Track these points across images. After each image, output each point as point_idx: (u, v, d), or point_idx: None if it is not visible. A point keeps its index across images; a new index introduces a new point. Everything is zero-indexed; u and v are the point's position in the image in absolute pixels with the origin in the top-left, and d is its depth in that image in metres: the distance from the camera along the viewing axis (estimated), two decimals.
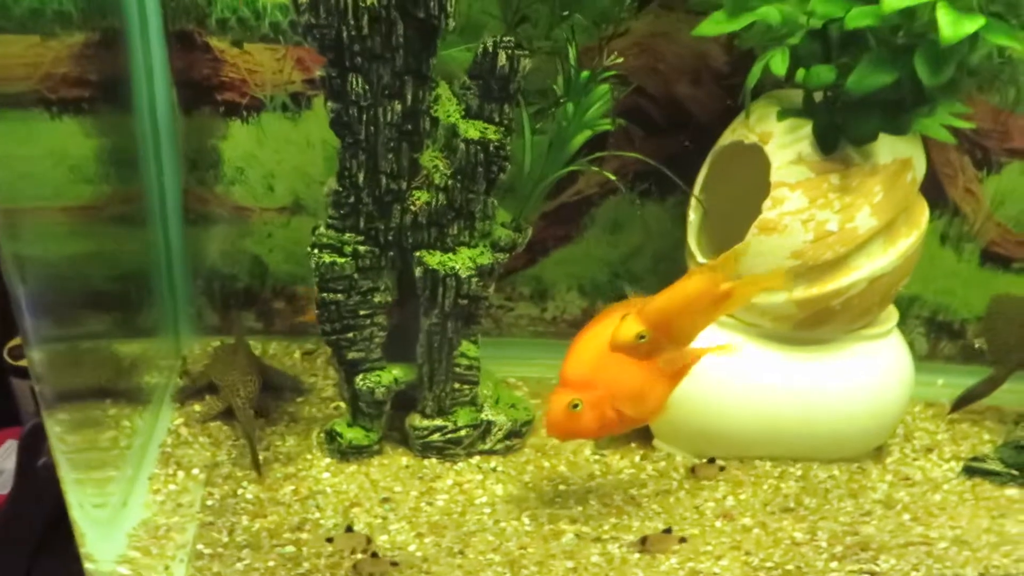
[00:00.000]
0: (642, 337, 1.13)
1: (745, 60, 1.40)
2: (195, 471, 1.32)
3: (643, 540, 1.22)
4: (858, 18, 1.09)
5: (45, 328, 0.98)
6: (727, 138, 1.33)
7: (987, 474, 1.42)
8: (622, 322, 1.14)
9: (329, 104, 1.18)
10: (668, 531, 1.24)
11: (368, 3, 1.12)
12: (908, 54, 1.08)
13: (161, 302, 1.57)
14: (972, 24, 1.02)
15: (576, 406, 1.16)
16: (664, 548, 1.21)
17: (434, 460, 1.38)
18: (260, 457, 1.31)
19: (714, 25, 1.20)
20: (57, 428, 1.04)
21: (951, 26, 1.02)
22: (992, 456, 1.43)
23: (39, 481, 1.27)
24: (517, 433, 1.42)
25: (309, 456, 1.37)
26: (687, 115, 1.49)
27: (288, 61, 1.45)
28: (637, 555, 1.22)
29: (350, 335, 1.30)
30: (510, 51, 1.20)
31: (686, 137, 1.47)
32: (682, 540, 1.23)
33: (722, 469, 1.39)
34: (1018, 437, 1.42)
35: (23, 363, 1.68)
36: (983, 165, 1.47)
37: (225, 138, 1.49)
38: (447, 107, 1.26)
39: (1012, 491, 1.40)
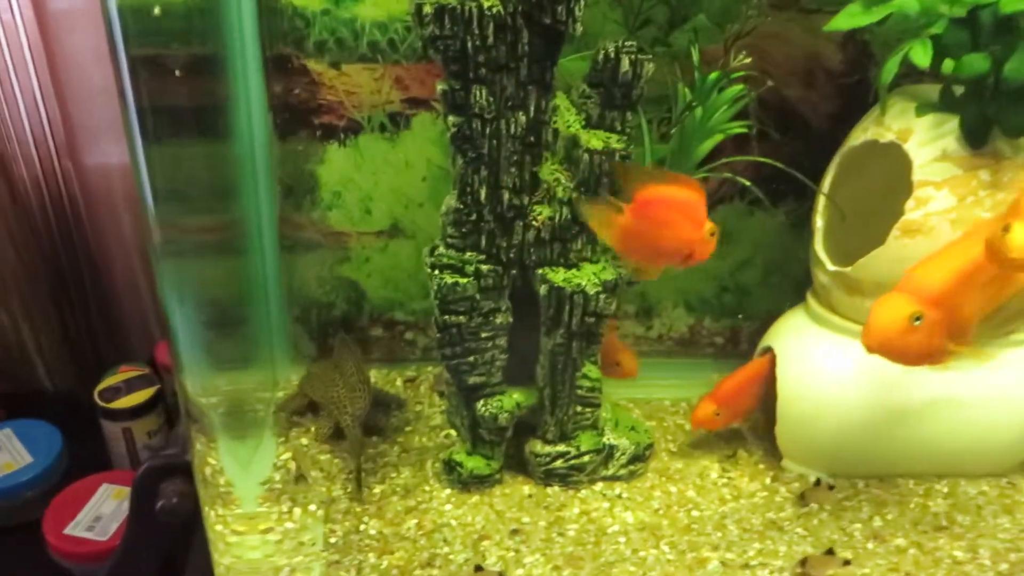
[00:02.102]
0: (917, 319, 0.97)
1: (862, 58, 1.35)
2: (312, 507, 1.26)
3: (803, 562, 1.15)
4: (1015, 1, 1.03)
5: (195, 355, 0.94)
6: (858, 137, 1.27)
7: None
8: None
9: (450, 118, 1.14)
10: (830, 552, 1.16)
11: (494, 11, 1.07)
12: None
13: (258, 332, 1.52)
14: None
15: (918, 319, 0.98)
16: (825, 570, 1.14)
17: (557, 488, 1.32)
18: (365, 478, 1.27)
19: (849, 18, 1.15)
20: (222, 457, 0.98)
21: None
22: None
23: (155, 525, 1.22)
24: (640, 457, 1.35)
25: (427, 487, 1.31)
26: (800, 118, 1.44)
27: (387, 80, 1.41)
28: None
29: (471, 359, 1.24)
30: (633, 56, 1.15)
31: (801, 142, 1.42)
32: (846, 563, 1.15)
33: (832, 488, 1.31)
34: None
35: (115, 405, 1.64)
36: None
37: (322, 162, 1.46)
38: (567, 117, 1.21)
39: None
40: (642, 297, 1.57)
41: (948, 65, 1.10)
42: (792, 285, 1.51)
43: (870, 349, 1.04)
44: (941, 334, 0.99)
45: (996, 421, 1.27)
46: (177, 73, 1.10)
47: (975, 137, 1.14)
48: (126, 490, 1.35)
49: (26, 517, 1.57)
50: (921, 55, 1.12)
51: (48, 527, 1.47)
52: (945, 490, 1.32)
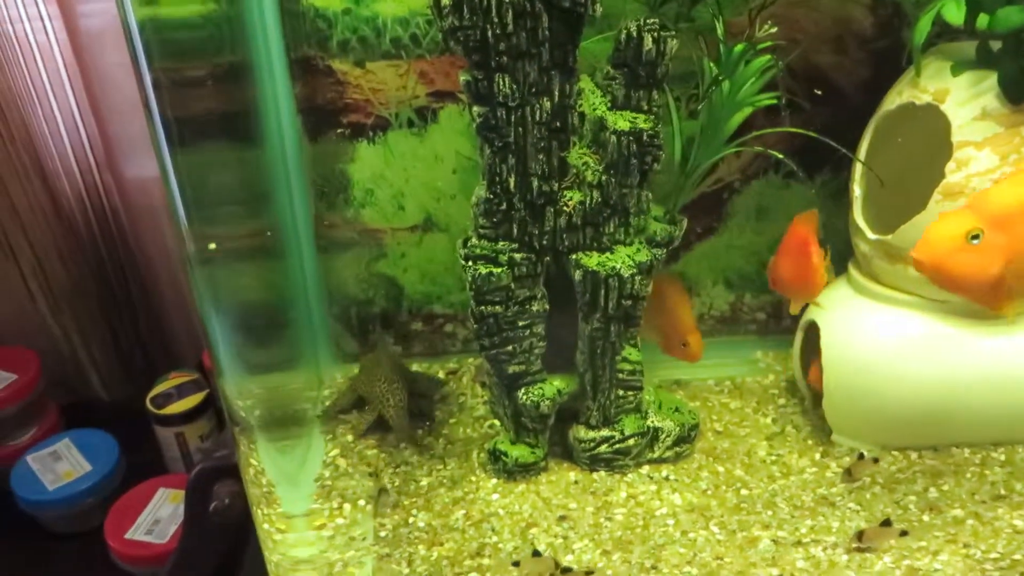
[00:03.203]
0: (975, 237, 0.90)
1: (893, 21, 1.32)
2: (361, 502, 1.28)
3: (859, 535, 1.13)
4: None
5: (235, 362, 0.95)
6: (893, 101, 1.24)
7: None
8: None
9: (475, 109, 1.14)
10: (887, 523, 1.14)
11: None
12: None
13: (300, 333, 1.55)
14: None
15: (976, 237, 0.91)
16: (883, 542, 1.12)
17: (603, 473, 1.31)
18: (412, 471, 1.29)
19: None
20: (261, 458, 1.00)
21: None
22: None
23: (210, 527, 1.25)
24: (686, 438, 1.34)
25: (473, 478, 1.31)
26: (832, 85, 1.41)
27: (411, 75, 1.41)
28: (846, 556, 1.13)
29: (509, 348, 1.24)
30: (656, 34, 1.14)
31: (834, 110, 1.38)
32: (903, 533, 1.13)
33: (876, 461, 1.28)
34: None
35: (167, 411, 1.68)
36: None
37: (352, 161, 1.47)
38: (592, 100, 1.20)
39: None
40: (681, 276, 1.56)
41: (983, 20, 1.07)
42: (833, 257, 1.48)
43: (919, 266, 0.95)
44: (1002, 262, 0.89)
45: None
46: (203, 83, 1.12)
47: (1015, 92, 1.10)
48: (182, 493, 1.39)
49: (88, 524, 1.62)
50: (954, 12, 1.08)
51: (110, 532, 1.52)
52: (1002, 458, 1.28)
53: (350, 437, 1.42)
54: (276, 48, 1.39)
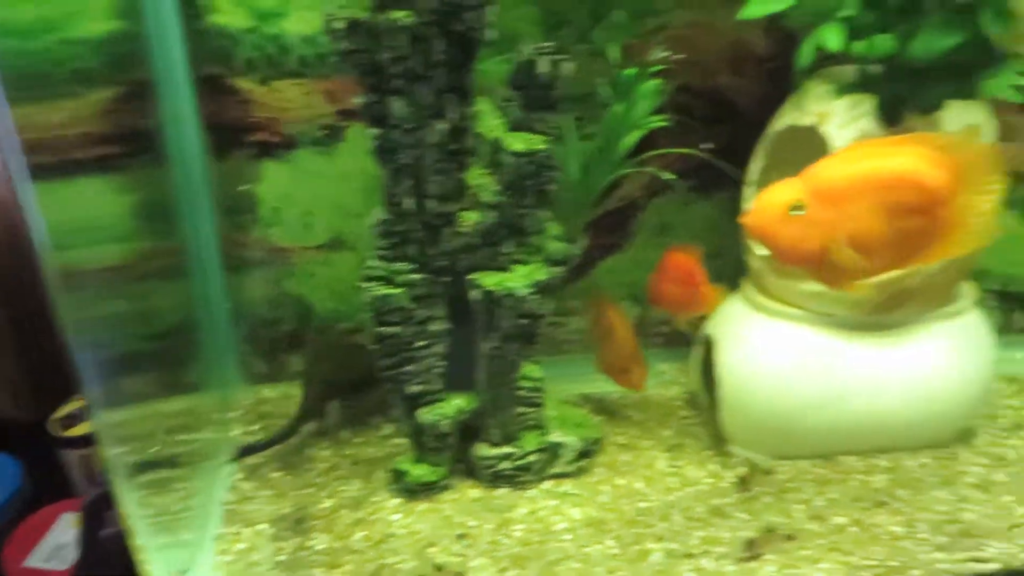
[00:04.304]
0: (796, 209, 0.90)
1: (787, 43, 1.37)
2: (261, 526, 1.27)
3: (750, 544, 1.16)
4: None
5: (108, 393, 0.94)
6: (780, 122, 1.28)
7: None
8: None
9: (371, 130, 1.15)
10: (771, 531, 1.18)
11: (406, 22, 1.08)
12: (972, 13, 1.03)
13: (207, 354, 1.53)
14: None
15: (798, 209, 0.91)
16: (771, 549, 1.16)
17: (505, 489, 1.33)
18: (316, 493, 1.30)
19: (761, 5, 1.16)
20: (134, 495, 0.99)
21: None
22: None
23: (104, 552, 1.23)
24: (587, 453, 1.36)
25: (376, 498, 1.32)
26: (730, 105, 1.45)
27: (318, 94, 1.42)
28: (733, 567, 1.16)
29: (409, 368, 1.25)
30: (551, 57, 1.16)
31: (733, 128, 1.43)
32: (790, 538, 1.17)
33: (769, 473, 1.32)
34: None
35: (72, 433, 1.64)
36: None
37: (260, 179, 1.46)
38: (489, 122, 1.22)
39: None
40: (587, 293, 1.58)
41: (859, 46, 1.12)
42: (732, 272, 1.52)
43: (747, 230, 0.97)
44: (823, 237, 0.91)
45: (932, 394, 1.29)
46: (100, 101, 1.10)
47: (890, 115, 1.15)
48: None
49: None
50: (833, 38, 1.13)
51: (8, 559, 1.48)
52: (887, 465, 1.33)
53: (255, 460, 1.40)
54: (180, 66, 1.38)
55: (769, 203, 0.93)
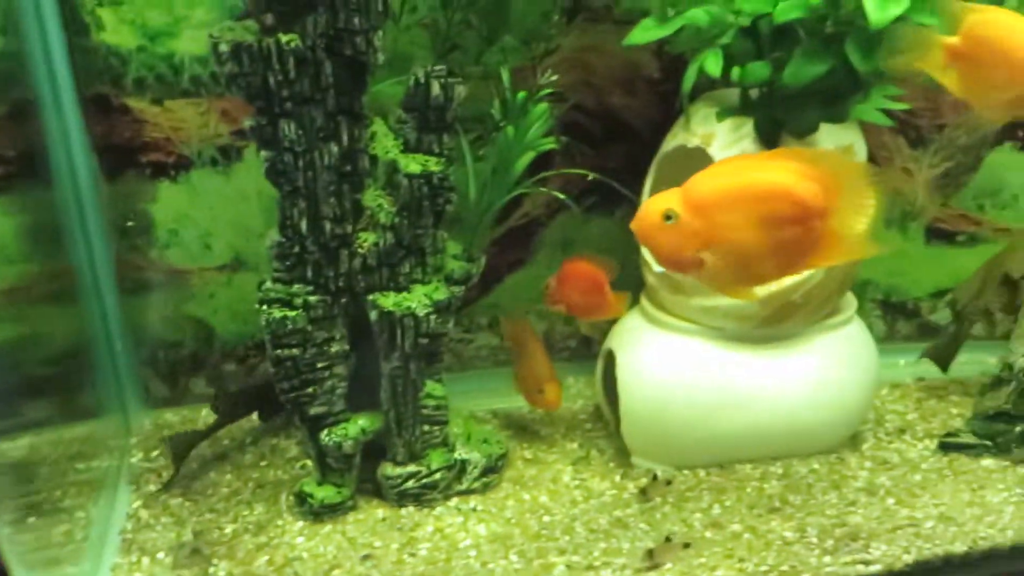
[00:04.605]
0: (669, 218, 0.93)
1: (677, 65, 1.41)
2: (160, 555, 1.24)
3: (649, 553, 1.19)
4: (786, 11, 1.09)
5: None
6: (669, 143, 1.32)
7: (962, 448, 1.43)
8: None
9: (262, 153, 1.14)
10: (668, 540, 1.21)
11: (293, 46, 1.08)
12: (839, 42, 1.09)
13: (104, 379, 1.49)
14: (897, 6, 1.03)
15: (670, 218, 0.94)
16: (669, 558, 1.19)
17: (411, 508, 1.33)
18: (217, 518, 1.29)
19: (644, 32, 1.20)
20: (7, 529, 0.96)
21: (878, 10, 1.03)
22: (964, 429, 1.45)
23: None
24: (493, 468, 1.38)
25: (280, 522, 1.30)
26: (624, 126, 1.49)
27: (213, 114, 1.40)
28: None
29: (310, 390, 1.25)
30: (443, 80, 1.17)
31: (628, 149, 1.47)
32: (686, 545, 1.20)
33: (669, 483, 1.36)
34: (986, 407, 1.44)
35: None
36: (917, 144, 1.50)
37: (155, 200, 1.43)
38: (385, 143, 1.22)
39: (988, 462, 1.41)
40: (494, 309, 1.60)
41: (736, 73, 1.16)
42: (634, 287, 1.56)
43: (635, 235, 1.01)
44: (696, 246, 0.95)
45: (820, 401, 1.35)
46: None
47: (767, 138, 1.20)
48: None
49: None
50: (713, 64, 1.17)
51: None
52: (780, 471, 1.39)
53: (153, 487, 1.38)
54: (65, 85, 1.35)
55: (647, 211, 0.97)
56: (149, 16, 1.32)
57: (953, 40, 1.02)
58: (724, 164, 1.02)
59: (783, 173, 0.94)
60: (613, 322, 1.44)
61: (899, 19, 1.05)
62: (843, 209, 0.95)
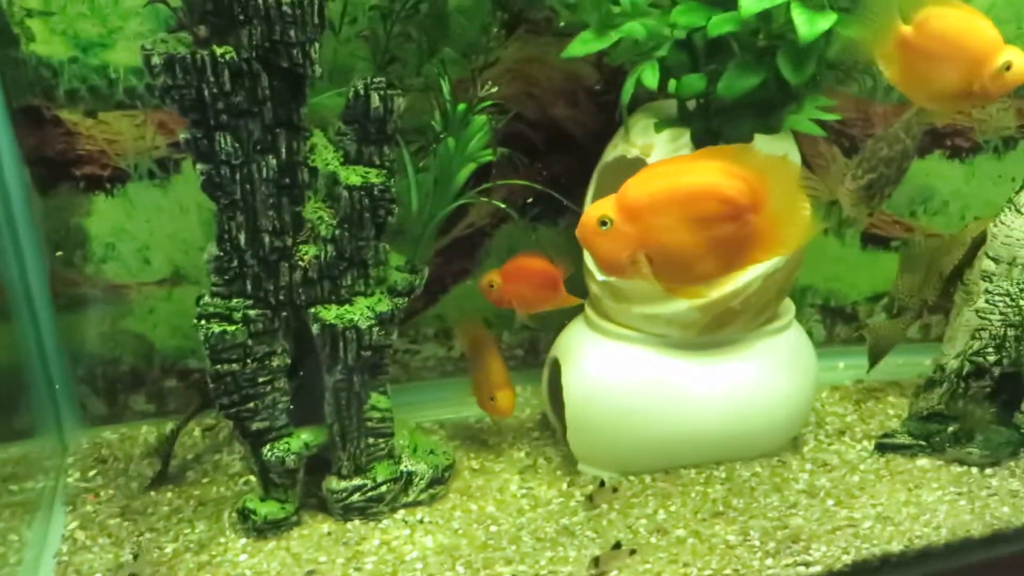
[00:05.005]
0: (604, 223, 0.97)
1: (617, 76, 1.43)
2: None
3: (596, 561, 1.20)
4: (719, 25, 1.11)
5: None
6: (610, 154, 1.34)
7: (898, 448, 1.47)
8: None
9: (198, 166, 1.12)
10: (617, 546, 1.22)
11: (228, 58, 1.07)
12: (771, 55, 1.11)
13: (39, 398, 1.45)
14: (826, 21, 1.06)
15: (605, 224, 0.97)
16: (616, 564, 1.19)
17: (357, 522, 1.32)
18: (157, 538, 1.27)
19: (582, 45, 1.21)
20: None
21: (807, 24, 1.06)
22: (900, 430, 1.48)
23: None
24: (440, 480, 1.37)
25: (223, 540, 1.28)
26: (567, 136, 1.50)
27: (149, 126, 1.38)
28: None
29: (251, 405, 1.23)
30: (383, 92, 1.17)
31: (570, 158, 1.48)
32: (632, 552, 1.21)
33: (615, 490, 1.36)
34: (920, 408, 1.48)
35: None
36: (851, 153, 1.54)
37: (90, 214, 1.40)
38: (324, 155, 1.21)
39: (923, 461, 1.45)
40: (440, 319, 1.60)
41: (672, 85, 1.18)
42: (582, 295, 1.57)
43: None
44: (629, 250, 0.98)
45: (762, 405, 1.37)
46: None
47: (704, 147, 1.22)
48: None
49: None
50: (650, 77, 1.19)
51: None
52: (723, 475, 1.41)
53: (90, 507, 1.34)
54: None
55: (585, 218, 1.00)
56: (81, 27, 1.29)
57: (907, 29, 1.05)
58: (654, 168, 1.05)
59: (709, 173, 0.98)
60: (555, 313, 1.44)
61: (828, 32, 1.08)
62: (772, 202, 0.99)
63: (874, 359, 1.56)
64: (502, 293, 1.37)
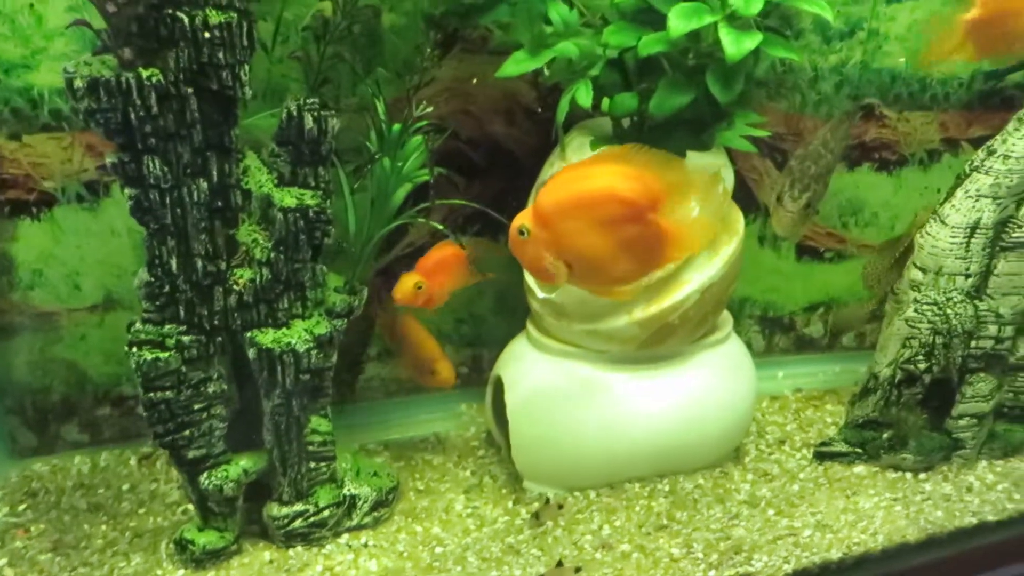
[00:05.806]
0: (523, 233, 1.03)
1: (554, 94, 1.44)
2: None
3: None
4: (650, 45, 1.13)
5: None
6: (547, 171, 1.34)
7: (835, 456, 1.50)
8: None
9: (127, 190, 1.10)
10: (560, 564, 1.22)
11: (154, 80, 1.05)
12: (701, 74, 1.13)
13: None
14: (752, 40, 1.08)
15: (523, 233, 1.04)
16: None
17: (300, 548, 1.30)
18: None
19: (516, 65, 1.21)
20: None
21: (734, 44, 1.08)
22: (836, 438, 1.51)
23: None
24: (384, 502, 1.36)
25: (159, 572, 1.25)
26: (506, 154, 1.50)
27: (77, 148, 1.34)
28: None
29: (187, 433, 1.20)
30: (316, 113, 1.16)
31: (509, 176, 1.48)
32: (577, 570, 1.21)
33: (561, 507, 1.37)
34: (855, 416, 1.51)
35: None
36: (784, 166, 1.57)
37: (15, 239, 1.36)
38: (258, 177, 1.20)
39: (860, 468, 1.48)
40: (381, 339, 1.58)
41: (605, 104, 1.19)
42: (524, 311, 1.57)
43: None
44: (549, 255, 1.04)
45: (703, 417, 1.39)
46: None
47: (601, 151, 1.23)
48: None
49: None
50: (583, 95, 1.20)
51: None
52: (667, 488, 1.42)
53: (20, 543, 1.30)
54: None
55: (511, 228, 1.06)
56: (3, 48, 1.25)
57: (971, 13, 1.20)
58: (560, 176, 1.08)
59: (607, 177, 1.03)
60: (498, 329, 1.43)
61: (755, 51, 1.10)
62: (670, 201, 1.03)
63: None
64: (431, 289, 1.36)
